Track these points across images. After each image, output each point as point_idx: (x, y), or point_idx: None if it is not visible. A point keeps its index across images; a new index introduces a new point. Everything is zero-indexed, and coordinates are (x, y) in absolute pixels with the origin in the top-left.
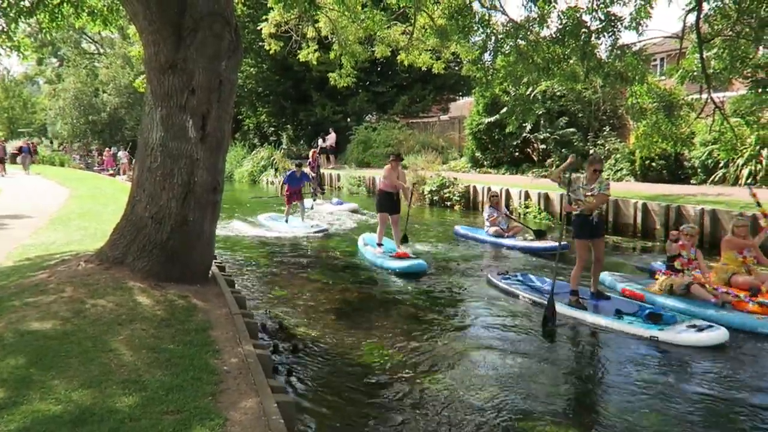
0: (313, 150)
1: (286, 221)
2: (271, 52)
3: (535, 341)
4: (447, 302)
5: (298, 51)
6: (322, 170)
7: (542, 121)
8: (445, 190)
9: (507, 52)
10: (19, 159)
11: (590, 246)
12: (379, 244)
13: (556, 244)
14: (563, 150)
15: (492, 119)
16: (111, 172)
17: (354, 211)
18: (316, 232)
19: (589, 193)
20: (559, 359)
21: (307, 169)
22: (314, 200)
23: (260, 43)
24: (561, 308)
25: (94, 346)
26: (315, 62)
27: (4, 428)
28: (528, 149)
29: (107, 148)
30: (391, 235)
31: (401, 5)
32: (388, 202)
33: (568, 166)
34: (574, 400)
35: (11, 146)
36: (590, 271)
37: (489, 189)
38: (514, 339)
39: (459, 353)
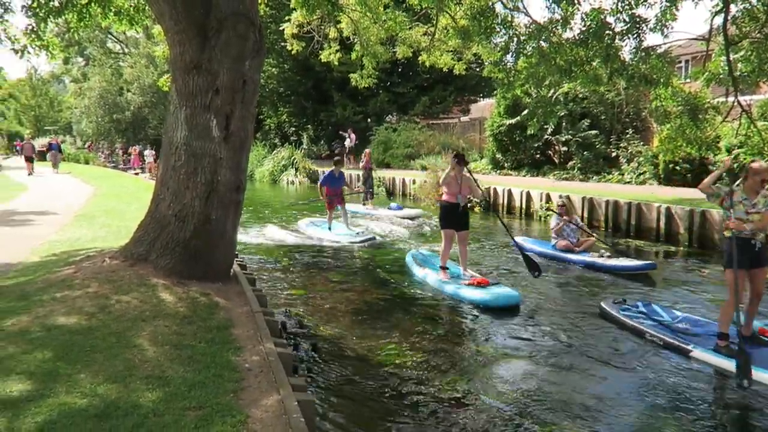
0: (367, 150)
1: (329, 228)
2: (293, 52)
3: (637, 378)
4: (480, 311)
5: (320, 51)
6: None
7: (564, 123)
8: None
9: (529, 53)
10: (48, 156)
11: (747, 277)
12: (444, 268)
13: (640, 263)
14: (585, 152)
15: (513, 121)
16: (136, 171)
17: (416, 218)
18: (361, 241)
19: (753, 210)
20: (687, 415)
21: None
22: (364, 204)
23: (282, 44)
24: (704, 354)
25: (119, 341)
26: (336, 63)
27: (31, 420)
28: (549, 151)
29: (133, 146)
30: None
31: (423, 6)
32: (454, 215)
33: (724, 170)
34: None
35: (37, 144)
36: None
37: (559, 196)
38: (581, 358)
39: (494, 363)
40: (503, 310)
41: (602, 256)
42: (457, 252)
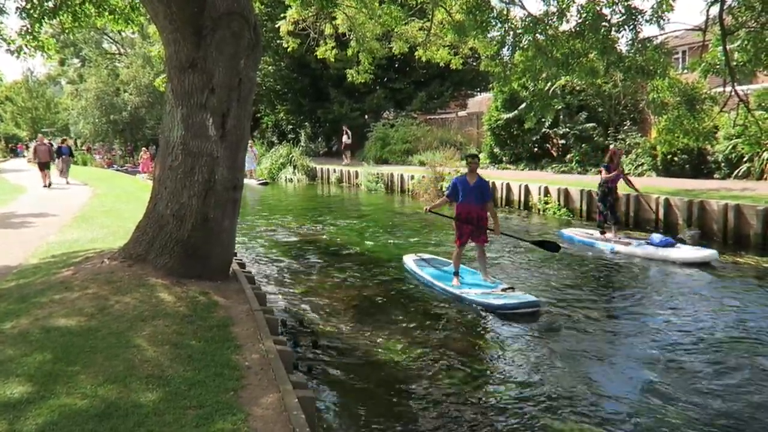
0: (614, 149)
1: (456, 274)
2: (289, 49)
3: None
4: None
5: (316, 48)
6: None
7: (562, 116)
8: None
9: (525, 47)
10: (57, 163)
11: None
12: None
13: None
14: (583, 145)
15: (511, 115)
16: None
17: (705, 265)
18: (515, 307)
19: None
20: None
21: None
22: (602, 233)
23: (278, 41)
24: None
25: (118, 342)
26: (332, 59)
27: (32, 422)
28: (547, 144)
29: (144, 148)
30: None
31: (419, 1)
32: None
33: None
34: None
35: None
36: None
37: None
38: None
39: (495, 360)
40: None
41: None
42: None
